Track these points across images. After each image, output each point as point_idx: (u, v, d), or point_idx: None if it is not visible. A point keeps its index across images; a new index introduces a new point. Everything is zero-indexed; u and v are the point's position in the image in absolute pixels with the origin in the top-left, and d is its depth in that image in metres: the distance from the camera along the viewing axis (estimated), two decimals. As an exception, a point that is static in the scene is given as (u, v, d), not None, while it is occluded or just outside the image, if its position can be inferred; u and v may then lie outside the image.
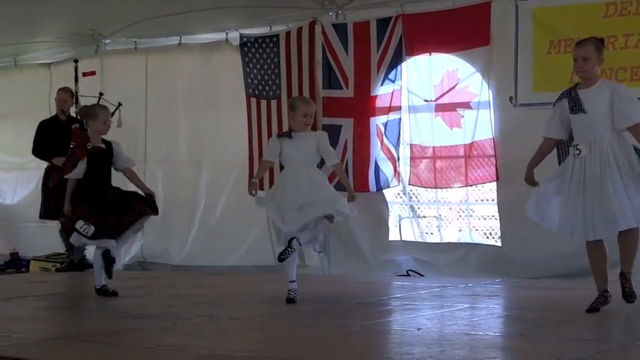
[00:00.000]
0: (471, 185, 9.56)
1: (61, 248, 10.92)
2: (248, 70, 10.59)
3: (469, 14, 9.18)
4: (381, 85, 9.78)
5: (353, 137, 9.87)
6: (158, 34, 11.16)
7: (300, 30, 10.24)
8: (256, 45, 10.53)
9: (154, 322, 6.33)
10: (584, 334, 5.50)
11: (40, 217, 10.64)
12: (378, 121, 9.81)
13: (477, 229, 10.03)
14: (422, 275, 9.51)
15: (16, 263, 11.80)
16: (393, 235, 10.13)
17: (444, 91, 9.53)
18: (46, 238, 11.45)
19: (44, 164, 10.54)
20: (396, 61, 9.67)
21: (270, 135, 10.39)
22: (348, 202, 7.17)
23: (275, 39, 10.41)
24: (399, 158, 9.79)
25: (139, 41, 11.43)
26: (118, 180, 8.02)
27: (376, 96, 9.81)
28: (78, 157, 7.76)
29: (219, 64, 10.96)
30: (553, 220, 6.39)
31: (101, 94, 10.28)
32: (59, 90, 10.71)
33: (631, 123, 6.21)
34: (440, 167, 9.59)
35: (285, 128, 10.26)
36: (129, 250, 11.07)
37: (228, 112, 10.85)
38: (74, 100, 10.77)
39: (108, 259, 7.66)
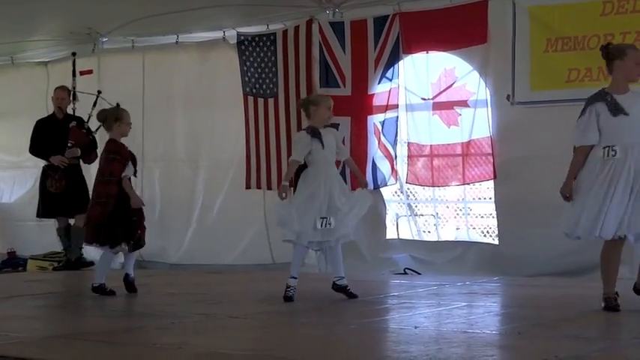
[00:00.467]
0: (468, 183, 9.56)
1: (58, 247, 10.92)
2: (245, 68, 10.59)
3: (466, 12, 9.19)
4: (379, 83, 9.78)
5: (350, 135, 9.85)
6: (155, 32, 11.15)
7: (297, 28, 10.24)
8: (253, 43, 10.53)
9: (152, 320, 6.34)
10: (581, 331, 5.50)
11: (38, 216, 10.65)
12: (375, 120, 9.82)
13: (474, 228, 10.03)
14: (419, 273, 9.51)
15: (14, 262, 11.77)
16: (391, 234, 10.14)
17: (442, 90, 9.53)
18: (44, 237, 11.43)
19: (41, 163, 10.52)
20: (394, 60, 9.67)
21: (267, 133, 10.41)
22: (362, 189, 7.30)
23: (272, 37, 10.41)
24: (396, 156, 9.79)
25: (136, 40, 11.42)
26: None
27: (373, 94, 9.82)
28: (126, 157, 7.76)
29: (216, 62, 10.94)
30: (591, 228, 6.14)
31: (99, 92, 10.29)
32: (57, 88, 10.69)
33: None
34: (437, 165, 9.60)
35: (283, 127, 10.34)
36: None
37: (225, 110, 10.84)
38: (72, 97, 10.76)
39: (132, 288, 7.80)
